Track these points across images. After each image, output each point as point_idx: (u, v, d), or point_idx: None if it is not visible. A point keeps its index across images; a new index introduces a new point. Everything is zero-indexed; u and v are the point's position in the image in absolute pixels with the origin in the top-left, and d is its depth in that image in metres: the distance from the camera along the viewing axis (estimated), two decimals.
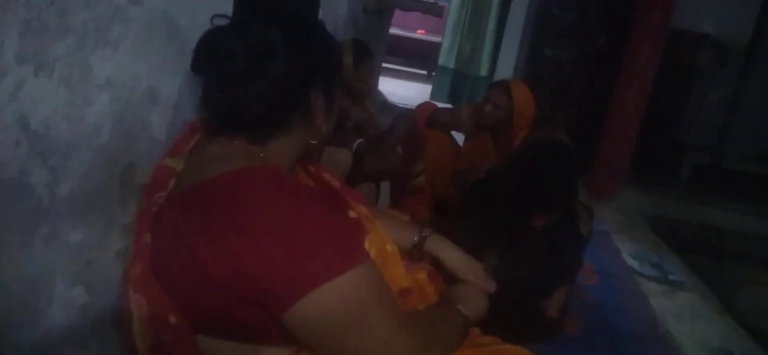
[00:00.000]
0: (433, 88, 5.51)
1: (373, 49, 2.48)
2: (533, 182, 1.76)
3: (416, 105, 2.88)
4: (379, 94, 4.36)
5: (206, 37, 0.85)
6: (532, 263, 1.75)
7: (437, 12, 4.03)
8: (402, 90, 5.64)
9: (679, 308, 2.47)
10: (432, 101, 3.30)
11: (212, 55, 0.84)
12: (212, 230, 0.75)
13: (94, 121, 0.77)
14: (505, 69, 4.63)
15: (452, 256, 1.17)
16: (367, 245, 0.94)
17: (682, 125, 4.51)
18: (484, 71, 5.23)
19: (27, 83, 0.63)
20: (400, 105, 4.36)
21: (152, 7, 0.87)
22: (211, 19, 0.87)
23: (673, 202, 4.06)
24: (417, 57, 7.04)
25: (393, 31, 5.72)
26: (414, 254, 1.19)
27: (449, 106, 4.52)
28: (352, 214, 0.98)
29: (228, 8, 1.08)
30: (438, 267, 1.17)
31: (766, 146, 4.42)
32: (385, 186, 2.12)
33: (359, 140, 1.89)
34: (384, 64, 5.35)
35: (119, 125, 0.83)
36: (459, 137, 2.80)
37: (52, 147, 0.69)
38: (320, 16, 2.26)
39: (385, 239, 1.04)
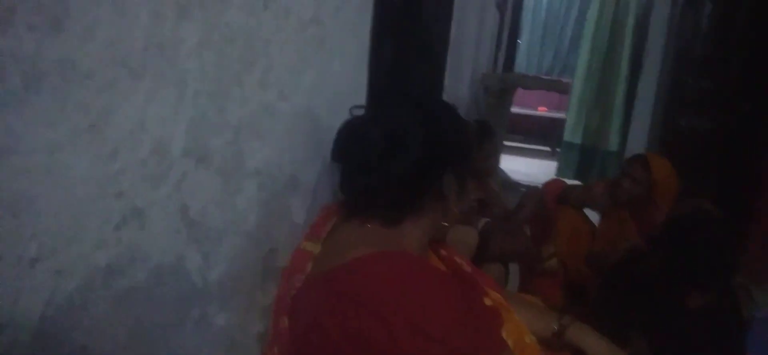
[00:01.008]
0: (558, 165, 5.34)
1: (495, 127, 2.46)
2: (686, 257, 1.61)
3: (543, 183, 2.79)
4: (502, 172, 4.30)
5: (345, 127, 0.89)
6: (687, 349, 1.57)
7: (561, 88, 3.96)
8: (525, 167, 5.53)
9: None
10: (559, 178, 3.19)
11: (350, 143, 0.87)
12: (345, 311, 0.75)
13: (243, 208, 0.82)
14: (637, 143, 4.38)
15: (597, 346, 1.08)
16: (504, 334, 0.90)
17: None
18: (613, 146, 4.99)
19: (189, 175, 0.68)
20: (524, 183, 4.26)
21: (298, 103, 0.93)
22: (350, 111, 0.91)
23: None
24: (539, 134, 6.91)
25: (514, 109, 5.69)
26: (553, 344, 1.11)
27: (578, 183, 4.34)
28: (488, 301, 0.94)
29: (363, 100, 1.13)
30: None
31: None
32: (514, 268, 2.04)
33: (486, 220, 1.85)
34: (505, 143, 5.30)
35: (264, 210, 0.87)
36: (592, 216, 2.65)
37: (206, 234, 0.73)
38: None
39: (522, 329, 0.99)
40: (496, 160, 2.44)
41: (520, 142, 6.66)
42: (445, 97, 2.29)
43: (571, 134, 5.19)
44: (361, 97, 1.13)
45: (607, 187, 2.49)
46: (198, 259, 0.72)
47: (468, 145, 0.97)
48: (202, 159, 0.70)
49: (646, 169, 2.28)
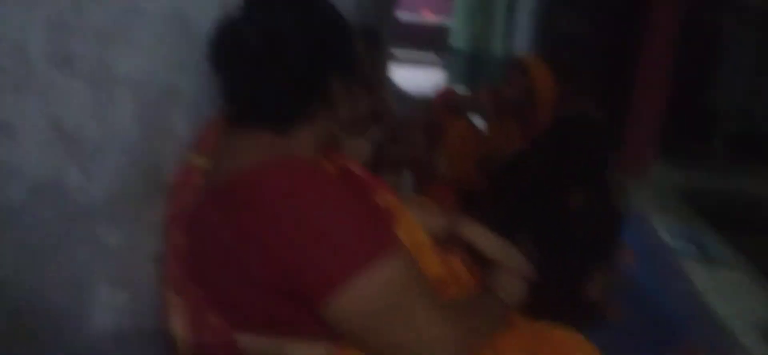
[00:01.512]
0: (446, 73, 5.52)
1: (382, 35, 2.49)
2: (566, 158, 1.77)
3: (432, 90, 2.89)
4: (392, 82, 4.37)
5: (219, 30, 0.87)
6: (569, 244, 1.76)
7: None
8: (415, 77, 5.65)
9: (722, 285, 2.46)
10: (449, 86, 3.32)
11: (227, 48, 0.86)
12: (245, 226, 0.77)
13: (119, 121, 0.80)
14: (520, 46, 4.62)
15: (485, 239, 1.18)
16: (398, 233, 0.96)
17: (712, 91, 4.48)
18: (498, 50, 5.22)
19: (56, 84, 0.66)
20: (414, 92, 4.37)
21: (164, 3, 0.89)
22: (222, 11, 0.89)
23: (707, 174, 4.04)
24: (426, 42, 7.05)
25: (401, 16, 5.73)
26: (446, 242, 1.20)
27: (467, 90, 4.52)
28: (381, 202, 1.00)
29: None
30: (472, 253, 1.18)
31: None
32: (407, 176, 2.14)
33: (378, 130, 1.91)
34: (394, 51, 5.36)
35: (143, 123, 0.85)
36: (481, 124, 2.80)
37: (83, 148, 0.72)
38: None
39: (415, 227, 1.06)
40: (386, 69, 2.48)
41: (409, 51, 6.77)
42: None
43: (457, 40, 5.35)
44: None
45: (491, 94, 2.64)
46: (77, 175, 0.70)
47: (351, 45, 0.98)
48: (65, 63, 0.67)
49: (523, 75, 2.43)
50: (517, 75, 2.45)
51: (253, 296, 0.79)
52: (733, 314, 2.23)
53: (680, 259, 2.65)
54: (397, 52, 6.05)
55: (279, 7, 0.87)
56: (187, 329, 0.82)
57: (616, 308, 2.01)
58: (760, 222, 3.49)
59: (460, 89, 3.63)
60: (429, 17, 6.99)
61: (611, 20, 4.31)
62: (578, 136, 1.85)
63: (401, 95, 2.60)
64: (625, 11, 4.20)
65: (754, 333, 2.11)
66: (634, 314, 2.08)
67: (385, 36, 3.24)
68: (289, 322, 0.81)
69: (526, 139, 2.48)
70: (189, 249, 0.84)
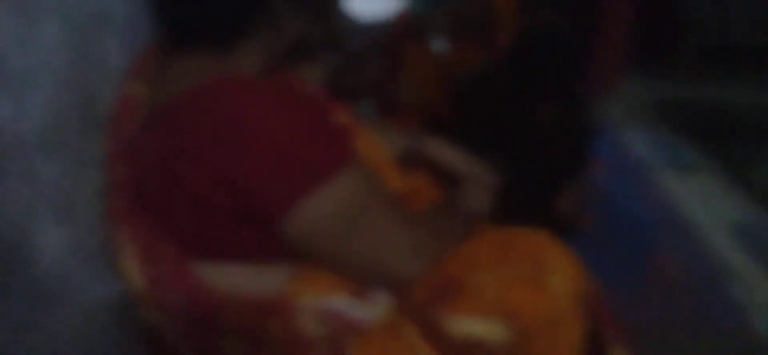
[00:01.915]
0: (405, 0, 5.45)
1: None
2: (532, 73, 1.78)
3: (390, 16, 2.86)
4: (348, 12, 4.30)
5: None
6: (539, 159, 1.79)
7: None
8: (370, 5, 5.56)
9: (694, 191, 2.56)
10: (407, 11, 3.28)
11: None
12: (191, 147, 0.76)
13: (50, 49, 0.77)
14: None
15: (450, 155, 1.19)
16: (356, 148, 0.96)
17: (683, 2, 4.53)
18: None
19: None
20: (372, 21, 4.31)
21: None
22: None
23: (679, 84, 4.13)
24: None
25: None
26: (408, 160, 1.21)
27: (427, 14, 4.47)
28: (337, 118, 1.00)
29: None
30: (436, 171, 1.20)
31: None
32: (368, 105, 2.14)
33: (333, 57, 1.89)
34: None
35: (75, 52, 0.83)
36: (443, 47, 2.80)
37: (12, 78, 0.70)
38: None
39: (375, 144, 1.06)
40: None
41: None
42: None
43: None
44: None
45: (449, 15, 2.64)
46: (9, 106, 0.68)
47: None
48: None
49: None
50: None
51: (206, 222, 0.79)
52: (707, 218, 2.32)
53: (652, 169, 2.73)
54: None
55: None
56: (139, 262, 0.82)
57: (588, 219, 2.07)
58: (732, 130, 3.60)
59: (420, 14, 3.59)
60: None
61: None
62: (544, 50, 1.87)
63: (358, 25, 2.57)
64: None
65: (728, 236, 2.20)
66: (608, 224, 2.15)
67: None
68: (246, 246, 0.82)
69: (487, 59, 2.49)
70: (134, 180, 0.83)
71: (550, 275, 0.93)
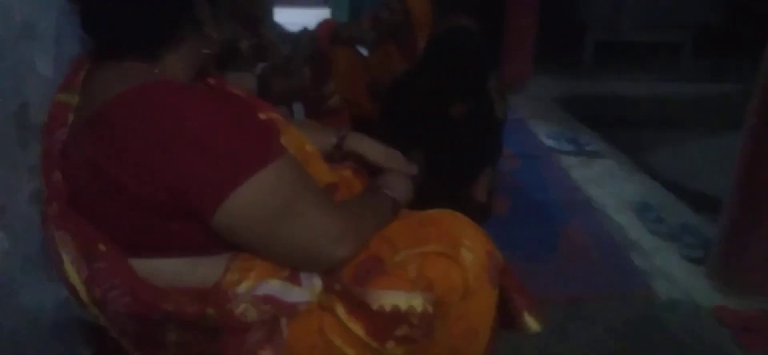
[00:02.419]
0: (331, 11, 5.46)
1: None
2: (446, 72, 1.84)
3: (316, 25, 2.87)
4: (276, 24, 4.27)
5: None
6: (454, 152, 1.85)
7: None
8: (299, 17, 5.54)
9: (597, 175, 2.68)
10: (333, 19, 3.31)
11: None
12: (122, 148, 0.75)
13: None
14: None
15: (372, 148, 1.22)
16: (283, 143, 0.97)
17: (579, 5, 4.75)
18: None
19: None
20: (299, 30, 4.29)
21: None
22: None
23: (580, 81, 4.32)
24: None
25: None
26: (334, 155, 1.23)
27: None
28: (263, 116, 1.00)
29: None
30: (361, 165, 1.22)
31: (658, 13, 4.74)
32: (298, 109, 2.14)
33: (263, 64, 1.88)
34: None
35: (3, 62, 0.81)
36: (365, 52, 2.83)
37: None
38: None
39: (302, 139, 1.07)
40: (269, 4, 2.45)
41: None
42: None
43: None
44: None
45: (371, 20, 2.68)
46: None
47: None
48: None
49: None
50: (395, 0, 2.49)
51: (141, 219, 0.78)
52: (608, 197, 2.45)
53: (559, 156, 2.86)
54: None
55: None
56: (78, 263, 0.81)
57: (502, 204, 2.15)
58: (627, 119, 3.80)
59: (345, 22, 3.63)
60: None
61: None
62: (456, 52, 1.92)
63: (286, 34, 2.57)
64: None
65: (626, 212, 2.33)
66: (520, 207, 2.24)
67: None
68: (181, 241, 0.81)
69: (406, 61, 2.54)
70: (68, 185, 0.81)
71: (462, 251, 0.97)
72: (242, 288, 0.84)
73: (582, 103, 3.85)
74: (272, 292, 0.85)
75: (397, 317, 0.87)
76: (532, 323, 1.07)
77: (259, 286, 0.85)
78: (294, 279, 0.88)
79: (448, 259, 0.95)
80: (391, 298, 0.88)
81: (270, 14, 2.77)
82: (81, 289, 0.83)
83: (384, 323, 0.88)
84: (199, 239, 0.81)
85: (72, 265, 0.81)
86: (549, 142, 3.01)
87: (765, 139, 1.68)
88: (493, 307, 1.02)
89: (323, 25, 2.81)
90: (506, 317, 1.07)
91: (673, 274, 1.92)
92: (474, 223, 1.06)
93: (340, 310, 0.88)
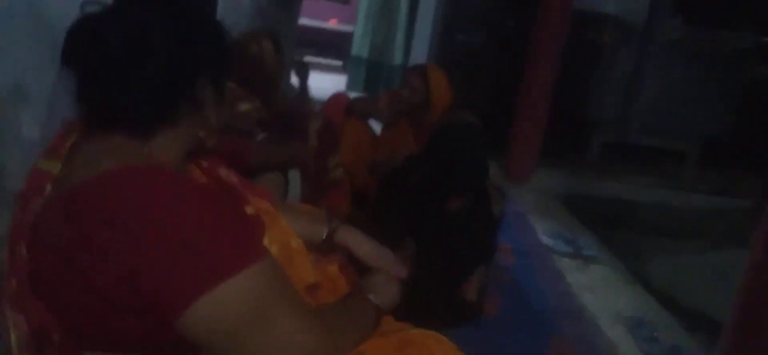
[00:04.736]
0: (347, 80, 5.52)
1: (282, 40, 2.43)
2: (445, 165, 1.81)
3: (330, 96, 2.88)
4: (292, 86, 4.30)
5: (78, 26, 0.79)
6: (448, 248, 1.79)
7: None
8: (317, 82, 5.60)
9: (592, 281, 2.60)
10: (346, 92, 3.32)
11: (85, 46, 0.78)
12: (91, 235, 0.70)
13: None
14: (419, 57, 4.69)
15: (362, 245, 1.16)
16: (266, 242, 0.91)
17: (589, 104, 4.77)
18: (398, 59, 5.28)
19: None
20: (316, 97, 4.32)
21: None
22: (82, 6, 0.81)
23: (583, 179, 4.28)
24: (330, 48, 7.01)
25: (304, 21, 5.66)
26: (324, 247, 1.17)
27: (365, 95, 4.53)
28: (250, 210, 0.95)
29: None
30: (350, 258, 1.16)
31: (666, 120, 4.75)
32: (294, 176, 2.10)
33: (264, 135, 1.87)
34: (296, 58, 5.29)
35: None
36: (378, 128, 2.82)
37: None
38: (221, 6, 2.19)
39: (288, 234, 1.02)
40: (283, 72, 2.45)
41: (312, 56, 6.71)
42: (223, 4, 2.19)
43: (359, 48, 5.37)
44: None
45: (390, 98, 2.66)
46: None
47: (222, 46, 0.91)
48: None
49: (423, 79, 2.46)
50: (418, 78, 2.47)
51: (100, 312, 0.72)
52: (602, 307, 2.36)
53: (555, 257, 2.78)
54: (300, 56, 5.98)
55: (142, 6, 0.81)
56: (28, 350, 0.74)
57: (493, 304, 2.07)
58: (627, 222, 3.74)
59: (362, 95, 3.65)
60: (335, 25, 6.96)
61: (503, 36, 4.48)
62: (457, 146, 1.90)
63: (301, 96, 2.58)
64: (515, 28, 4.38)
65: (619, 326, 2.24)
66: (511, 309, 2.16)
67: (289, 40, 3.19)
68: (141, 340, 0.75)
69: (418, 142, 2.51)
70: (32, 263, 0.75)
71: None
72: None
73: (584, 201, 3.81)
74: None
75: None
76: None
77: None
78: None
79: None
80: None
81: (284, 78, 2.78)
82: None
83: None
84: (158, 339, 0.75)
85: (20, 349, 0.75)
86: (546, 241, 2.95)
87: None
88: None
89: (334, 97, 2.81)
90: None
91: None
92: (452, 344, 0.98)
93: None
